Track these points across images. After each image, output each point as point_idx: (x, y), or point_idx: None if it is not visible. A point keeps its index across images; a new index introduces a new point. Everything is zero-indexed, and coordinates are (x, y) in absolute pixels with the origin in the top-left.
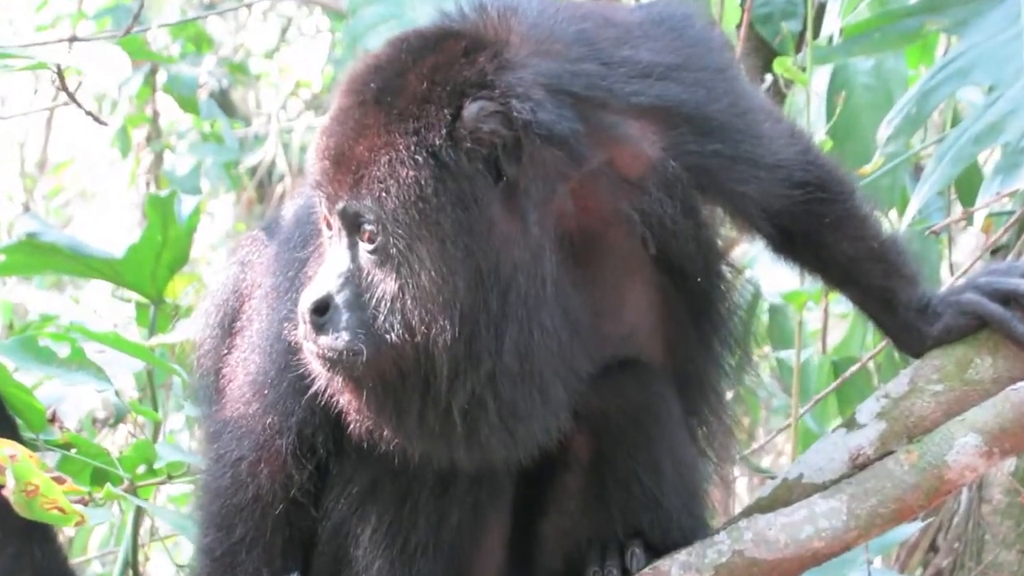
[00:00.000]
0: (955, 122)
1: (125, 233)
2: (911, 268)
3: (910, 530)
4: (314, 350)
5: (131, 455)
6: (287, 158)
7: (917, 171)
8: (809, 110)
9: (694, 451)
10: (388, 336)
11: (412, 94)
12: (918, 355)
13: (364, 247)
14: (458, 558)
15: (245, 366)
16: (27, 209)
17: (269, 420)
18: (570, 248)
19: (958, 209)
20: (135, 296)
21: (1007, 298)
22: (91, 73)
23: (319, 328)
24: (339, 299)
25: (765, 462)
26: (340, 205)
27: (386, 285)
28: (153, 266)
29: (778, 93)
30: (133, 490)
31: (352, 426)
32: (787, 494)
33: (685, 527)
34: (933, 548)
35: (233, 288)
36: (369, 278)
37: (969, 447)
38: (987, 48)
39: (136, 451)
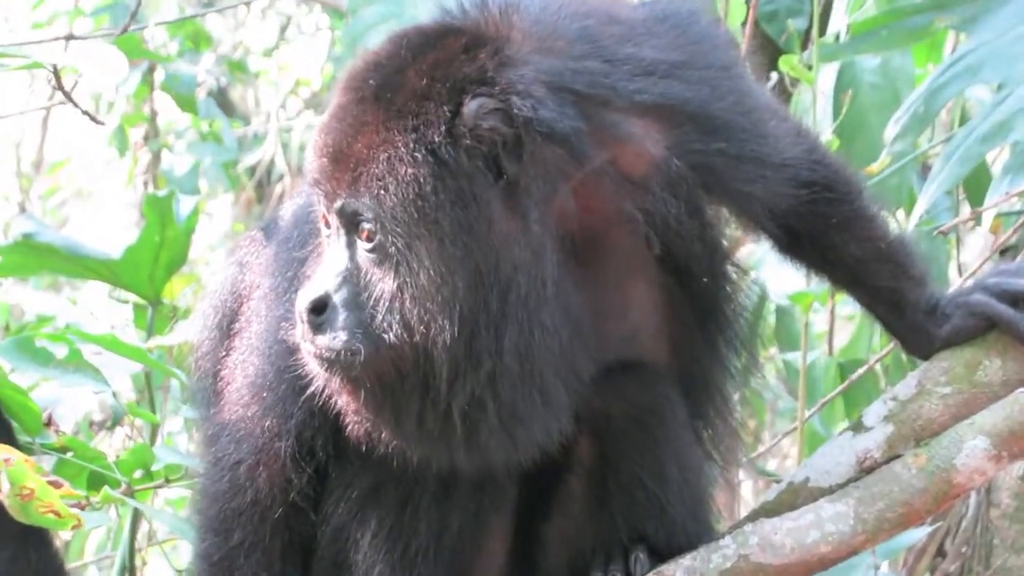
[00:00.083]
0: (963, 121)
1: (122, 233)
2: (919, 269)
3: (918, 535)
4: (311, 350)
5: (128, 458)
6: (286, 157)
7: (925, 170)
8: (815, 109)
9: (699, 454)
10: (386, 336)
11: (411, 91)
12: (926, 357)
13: (362, 246)
14: (460, 563)
15: (243, 368)
16: (23, 209)
17: (268, 423)
18: (572, 248)
19: (966, 209)
20: (133, 297)
21: (1016, 299)
22: (88, 72)
23: (316, 328)
24: (337, 298)
25: (771, 465)
26: (338, 203)
27: (384, 284)
28: (151, 267)
29: (784, 91)
30: (130, 494)
31: (350, 428)
32: (793, 498)
33: (690, 531)
34: (941, 553)
35: (231, 289)
36: (367, 277)
37: (978, 450)
38: (996, 46)
39: (133, 454)
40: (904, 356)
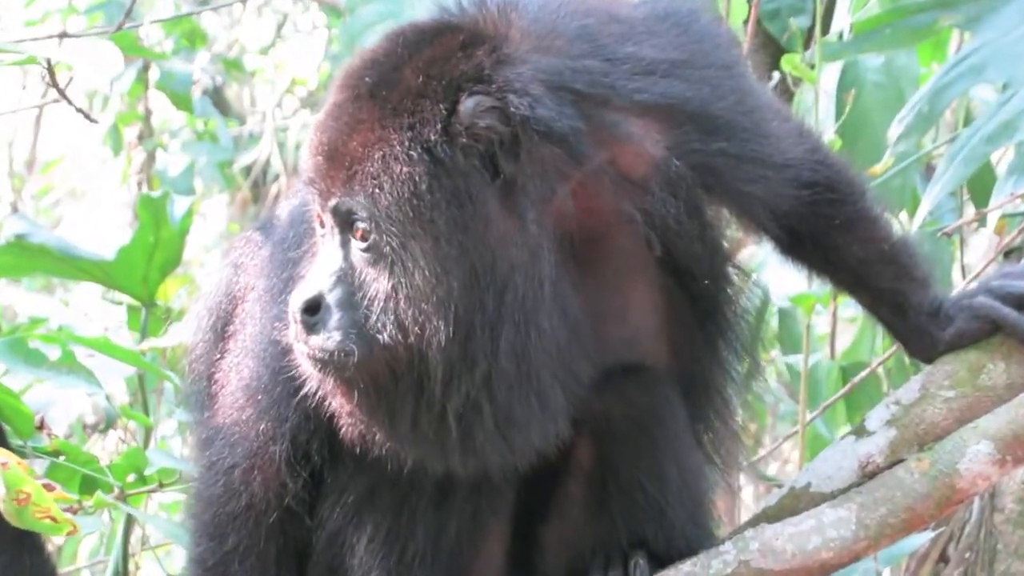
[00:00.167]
0: (968, 121)
1: (116, 234)
2: (922, 271)
3: (920, 540)
4: (305, 351)
5: (121, 462)
6: (282, 157)
7: (929, 171)
8: (818, 108)
9: (700, 457)
10: (380, 336)
11: (407, 88)
12: (929, 360)
13: (357, 245)
14: (457, 567)
15: (238, 371)
16: (16, 209)
17: (262, 426)
18: (570, 249)
19: (971, 210)
20: (126, 299)
21: (1021, 302)
22: (82, 69)
23: (310, 328)
24: (331, 298)
25: (771, 469)
26: (333, 202)
27: (379, 284)
28: (145, 268)
29: (786, 91)
30: (124, 498)
31: (345, 430)
32: (794, 503)
33: (690, 536)
34: (943, 558)
35: (226, 291)
36: (362, 277)
37: (981, 455)
38: (1001, 45)
39: (127, 458)
40: (907, 359)
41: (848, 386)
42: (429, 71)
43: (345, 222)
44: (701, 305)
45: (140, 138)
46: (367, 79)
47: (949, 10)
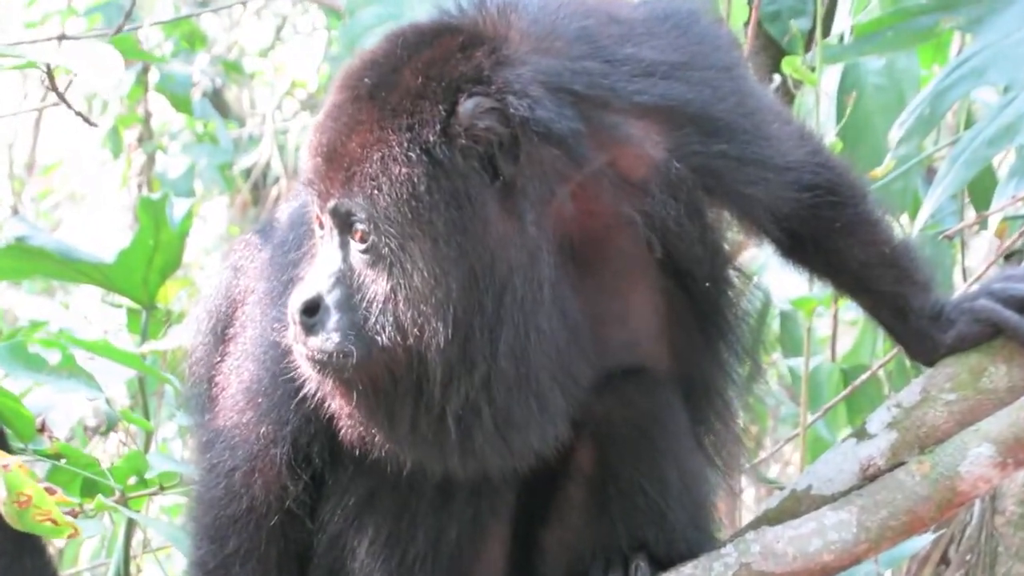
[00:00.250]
0: (969, 123)
1: (116, 237)
2: (924, 274)
3: (921, 542)
4: (304, 352)
5: (122, 465)
6: (282, 159)
7: (930, 174)
8: (819, 111)
9: (701, 460)
10: (379, 338)
11: (406, 89)
12: (930, 363)
13: (356, 246)
14: (458, 570)
15: (238, 374)
16: (16, 212)
17: (263, 429)
18: (570, 251)
19: (972, 213)
20: (126, 301)
21: (1022, 305)
22: (82, 73)
23: (309, 329)
24: (329, 299)
25: (772, 472)
26: (331, 203)
27: (378, 285)
28: (144, 271)
29: (787, 93)
30: (124, 501)
31: (344, 432)
32: (796, 506)
33: (691, 540)
34: (944, 561)
35: (226, 294)
36: (361, 278)
37: (983, 458)
38: (1003, 47)
39: (127, 461)
40: (908, 362)
41: (849, 389)
42: (428, 72)
43: (344, 223)
44: (702, 307)
45: (140, 140)
46: (366, 80)
47: (950, 12)
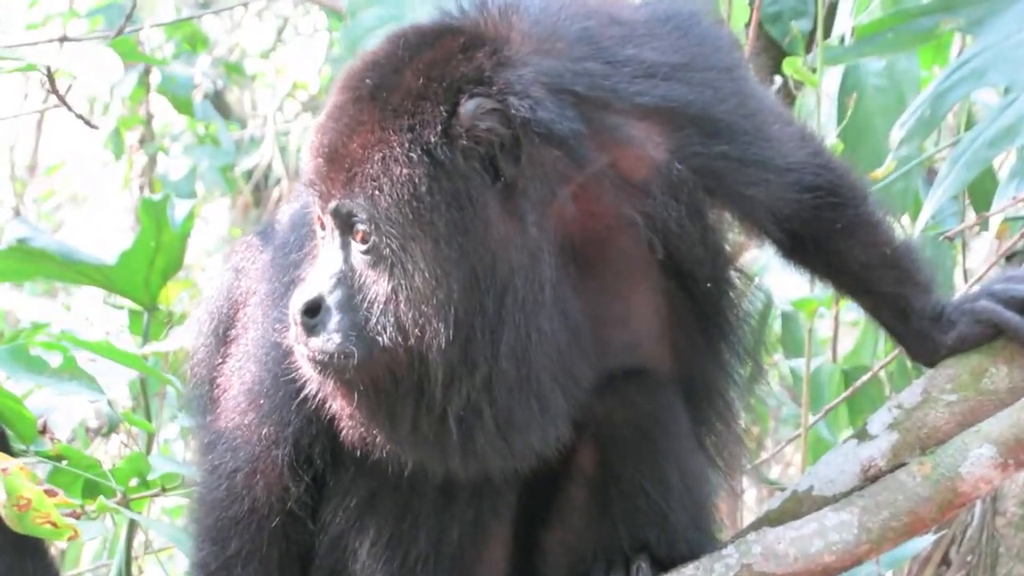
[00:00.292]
0: (970, 125)
1: (118, 238)
2: (924, 275)
3: (922, 544)
4: (305, 352)
5: (124, 467)
6: (284, 161)
7: (930, 175)
8: (819, 112)
9: (702, 462)
10: (380, 339)
11: (408, 90)
12: (931, 364)
13: (357, 247)
14: (459, 571)
15: (240, 375)
16: (17, 213)
17: (265, 431)
18: (572, 252)
19: (972, 214)
20: (128, 303)
21: (1023, 306)
22: (82, 76)
23: (310, 330)
24: (331, 300)
25: (774, 473)
26: (333, 204)
27: (379, 286)
28: (146, 272)
29: (788, 95)
30: (126, 503)
31: (345, 433)
32: (797, 507)
33: (692, 541)
34: (946, 562)
35: (227, 295)
36: (362, 279)
37: (984, 459)
38: (1003, 48)
39: (129, 463)
40: (909, 363)
41: (850, 390)
42: (430, 73)
43: (345, 224)
44: (703, 308)
45: (141, 142)
46: (368, 81)
47: (951, 14)
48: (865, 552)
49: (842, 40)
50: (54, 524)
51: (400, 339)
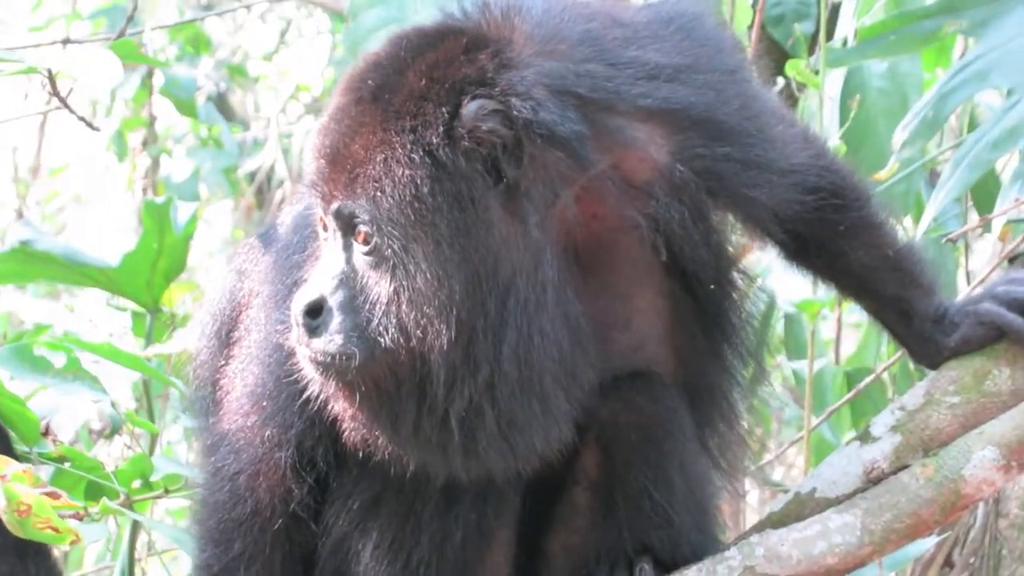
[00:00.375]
0: (972, 127)
1: (121, 240)
2: (927, 277)
3: (925, 545)
4: (307, 354)
5: (127, 468)
6: (287, 163)
7: (933, 177)
8: (822, 114)
9: (705, 464)
10: (382, 340)
11: (410, 91)
12: (934, 366)
13: (359, 248)
14: (462, 575)
15: (243, 377)
16: (20, 216)
17: (268, 432)
18: (574, 254)
19: (975, 216)
20: (131, 305)
21: None
22: (82, 78)
23: (312, 331)
24: (332, 301)
25: (776, 474)
26: (335, 205)
27: (381, 287)
28: (149, 274)
29: (790, 96)
30: (129, 504)
31: (347, 434)
32: (800, 509)
33: (695, 543)
34: (948, 563)
35: (230, 297)
36: (364, 280)
37: (986, 461)
38: (1006, 50)
39: (132, 464)
40: (912, 365)
41: (853, 392)
42: (432, 74)
43: (347, 225)
44: (706, 310)
45: (144, 144)
46: (370, 82)
47: (954, 16)
48: (868, 554)
49: (845, 42)
50: (55, 529)
51: (402, 340)
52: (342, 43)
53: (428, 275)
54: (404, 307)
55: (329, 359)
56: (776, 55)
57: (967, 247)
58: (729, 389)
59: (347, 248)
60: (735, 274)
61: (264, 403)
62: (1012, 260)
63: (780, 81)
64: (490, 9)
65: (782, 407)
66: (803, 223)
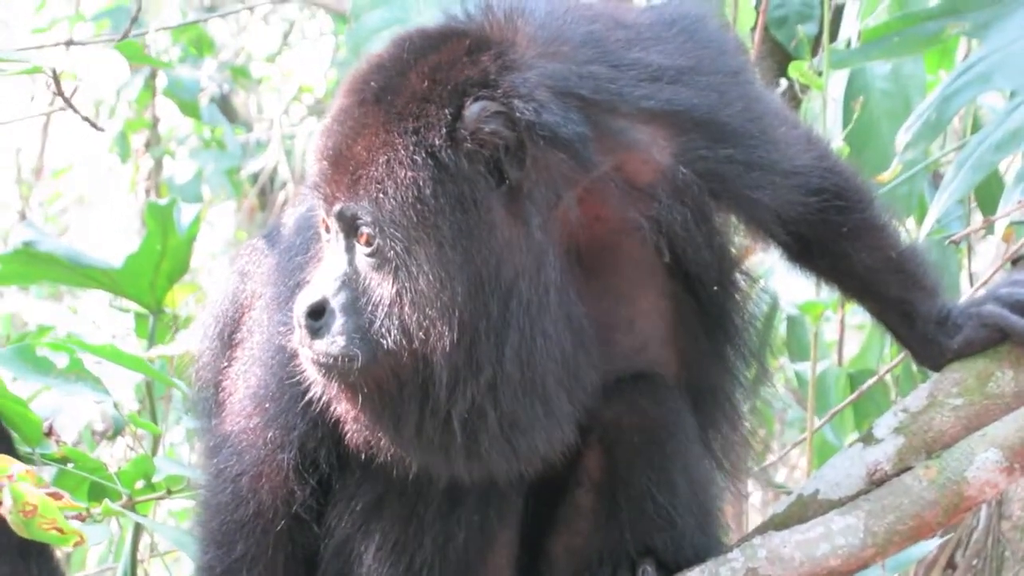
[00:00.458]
0: (975, 128)
1: (124, 241)
2: (930, 279)
3: (928, 547)
4: (309, 355)
5: (130, 469)
6: (290, 165)
7: (936, 179)
8: (825, 116)
9: (708, 466)
10: (384, 342)
11: (412, 93)
12: (937, 368)
13: (361, 250)
14: None
15: (245, 379)
16: (23, 217)
17: (270, 434)
18: (577, 256)
19: (978, 218)
20: (134, 306)
21: None
22: (87, 78)
23: (314, 333)
24: (335, 303)
25: (779, 476)
26: (337, 207)
27: (383, 289)
28: (152, 276)
29: (794, 98)
30: (132, 505)
31: (350, 436)
32: (802, 510)
33: (698, 545)
34: (951, 565)
35: (233, 298)
36: (366, 282)
37: (989, 463)
38: (1009, 52)
39: (135, 465)
40: (915, 367)
41: (856, 393)
42: (435, 76)
43: (350, 227)
44: (709, 311)
45: (147, 145)
46: (373, 83)
47: (957, 18)
48: (871, 556)
49: (848, 44)
50: (60, 530)
51: (404, 342)
52: (345, 44)
53: (430, 277)
54: (406, 309)
55: (331, 361)
56: (779, 57)
57: (970, 249)
58: (732, 390)
59: (350, 250)
60: (738, 276)
61: (267, 405)
62: (1015, 262)
63: (783, 83)
64: (493, 11)
65: (785, 409)
66: (806, 225)
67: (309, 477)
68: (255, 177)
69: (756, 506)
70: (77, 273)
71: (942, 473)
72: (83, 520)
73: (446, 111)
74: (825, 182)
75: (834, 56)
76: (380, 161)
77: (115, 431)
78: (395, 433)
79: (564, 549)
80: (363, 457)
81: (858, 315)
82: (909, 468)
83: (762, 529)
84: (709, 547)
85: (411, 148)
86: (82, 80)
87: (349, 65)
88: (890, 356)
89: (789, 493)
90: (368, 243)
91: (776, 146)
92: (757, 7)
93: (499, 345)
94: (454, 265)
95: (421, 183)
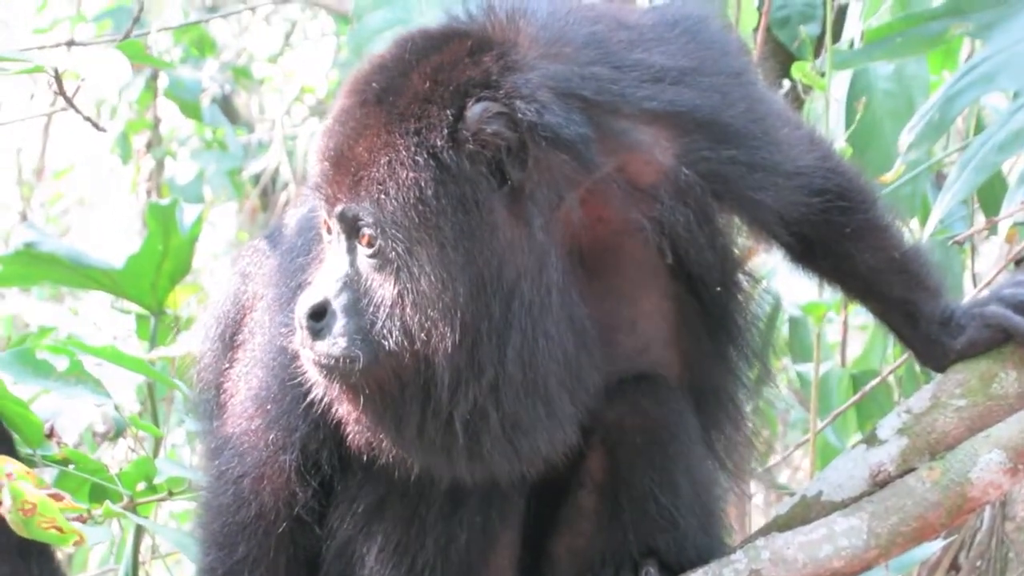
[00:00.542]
0: (979, 129)
1: (125, 242)
2: (934, 279)
3: (931, 549)
4: (311, 356)
5: (131, 471)
6: (291, 165)
7: (939, 179)
8: (828, 116)
9: (711, 467)
10: (386, 343)
11: (414, 94)
12: (941, 369)
13: (363, 251)
14: None
15: (247, 380)
16: (25, 218)
17: (272, 436)
18: (579, 257)
19: (981, 218)
20: (135, 307)
21: None
22: (90, 77)
23: (316, 334)
24: (336, 304)
25: (782, 477)
26: (339, 208)
27: (385, 290)
28: (154, 277)
29: (796, 99)
30: (133, 507)
31: (352, 437)
32: (806, 512)
33: (701, 546)
34: (955, 567)
35: (234, 299)
36: (368, 283)
37: (993, 464)
38: (1013, 53)
39: (136, 467)
40: (918, 368)
41: (859, 394)
42: (437, 77)
43: (351, 228)
44: (712, 312)
45: (149, 146)
46: (374, 84)
47: (960, 18)
48: (874, 557)
49: (851, 44)
50: (59, 529)
51: (406, 343)
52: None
53: (432, 278)
54: (408, 310)
55: (333, 362)
56: (782, 57)
57: (973, 249)
58: (735, 391)
59: (351, 251)
60: (740, 276)
61: (268, 406)
62: (1018, 262)
63: (786, 83)
64: (495, 12)
65: (788, 410)
66: (809, 225)
67: (311, 479)
68: (257, 178)
69: (759, 507)
70: (78, 274)
71: (946, 474)
72: (84, 521)
73: (448, 112)
74: (828, 183)
75: (837, 57)
76: (382, 162)
77: (116, 433)
78: (397, 434)
79: (566, 550)
80: (365, 458)
81: (861, 316)
82: (913, 469)
83: (765, 530)
84: (712, 548)
85: (413, 149)
86: (84, 80)
87: (351, 66)
88: (893, 357)
89: (792, 494)
90: (370, 244)
91: (779, 147)
92: (760, 8)
93: (501, 346)
94: (456, 266)
95: (423, 184)
